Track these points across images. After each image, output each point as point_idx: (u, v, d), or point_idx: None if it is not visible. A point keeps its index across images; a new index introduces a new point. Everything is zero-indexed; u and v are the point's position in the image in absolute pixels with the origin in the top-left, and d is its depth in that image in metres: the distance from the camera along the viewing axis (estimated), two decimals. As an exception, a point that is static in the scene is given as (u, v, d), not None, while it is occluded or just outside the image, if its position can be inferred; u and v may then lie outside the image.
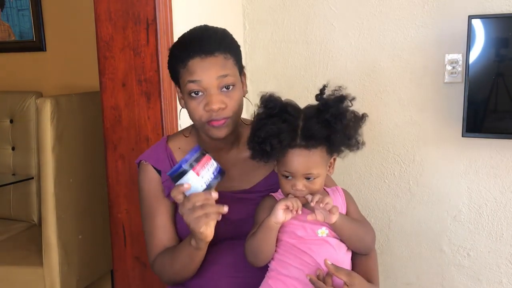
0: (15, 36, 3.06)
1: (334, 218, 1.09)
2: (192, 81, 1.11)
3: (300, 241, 1.14)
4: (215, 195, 1.04)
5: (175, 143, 1.28)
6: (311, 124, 1.08)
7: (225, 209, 1.04)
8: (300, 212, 1.09)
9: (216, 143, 1.22)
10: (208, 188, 1.04)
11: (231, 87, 1.13)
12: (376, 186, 2.12)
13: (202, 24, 1.22)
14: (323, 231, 1.14)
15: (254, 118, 1.15)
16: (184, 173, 1.02)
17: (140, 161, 1.27)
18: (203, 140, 1.24)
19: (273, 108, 1.11)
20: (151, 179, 1.25)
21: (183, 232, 1.23)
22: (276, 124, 1.08)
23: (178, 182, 1.04)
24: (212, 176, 1.04)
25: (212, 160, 1.06)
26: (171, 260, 1.18)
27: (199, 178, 1.03)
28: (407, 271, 2.14)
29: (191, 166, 1.02)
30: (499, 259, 1.98)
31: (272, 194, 1.21)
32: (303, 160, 1.08)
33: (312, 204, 1.08)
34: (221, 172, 1.06)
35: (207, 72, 1.10)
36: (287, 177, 1.11)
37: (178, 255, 1.16)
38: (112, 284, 2.43)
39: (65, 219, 2.20)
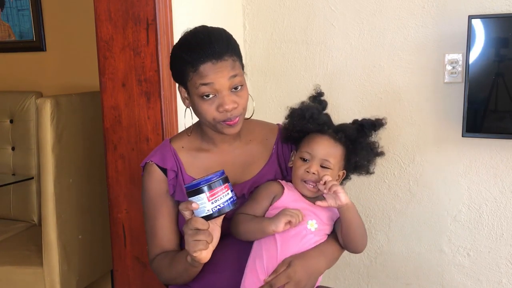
0: (15, 36, 3.06)
1: (343, 197, 1.14)
2: (205, 84, 1.14)
3: (288, 230, 1.16)
4: (216, 221, 1.10)
5: (178, 142, 1.30)
6: (345, 125, 1.26)
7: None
8: (300, 221, 1.16)
9: (222, 137, 1.26)
10: (217, 215, 1.06)
11: (239, 87, 1.18)
12: (376, 186, 2.12)
13: (201, 24, 1.23)
14: (312, 224, 1.19)
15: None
16: (199, 192, 1.05)
17: (146, 163, 1.29)
18: (207, 136, 1.27)
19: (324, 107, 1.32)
20: (156, 179, 1.26)
21: None
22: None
23: (191, 199, 1.06)
24: (222, 205, 1.06)
25: (229, 190, 1.08)
26: (169, 266, 1.21)
27: (209, 203, 1.05)
28: (407, 271, 2.14)
29: (209, 189, 1.05)
30: (499, 259, 1.98)
31: (280, 181, 1.26)
32: (326, 146, 1.21)
33: (322, 184, 1.15)
34: (234, 203, 1.08)
35: (219, 74, 1.14)
36: (304, 160, 1.21)
37: (175, 264, 1.19)
38: (112, 284, 2.43)
39: (65, 219, 2.20)
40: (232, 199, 1.08)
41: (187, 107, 1.25)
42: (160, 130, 1.72)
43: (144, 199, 1.29)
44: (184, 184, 1.16)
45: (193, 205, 1.05)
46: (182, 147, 1.29)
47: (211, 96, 1.15)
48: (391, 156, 2.08)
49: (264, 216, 1.21)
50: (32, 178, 2.77)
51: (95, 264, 2.41)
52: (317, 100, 1.30)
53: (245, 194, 1.27)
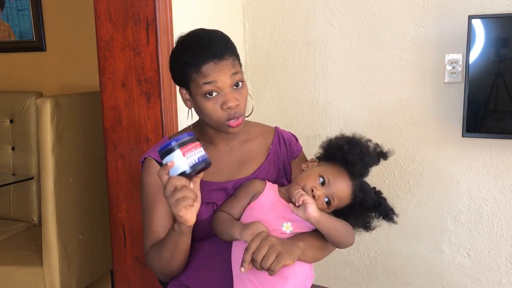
0: (15, 36, 3.06)
1: (311, 209, 1.14)
2: (208, 83, 1.17)
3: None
4: (193, 185, 1.10)
5: None
6: (370, 188, 1.27)
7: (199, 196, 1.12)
8: None
9: (220, 136, 1.29)
10: (192, 170, 1.07)
11: (240, 83, 1.21)
12: (376, 186, 2.12)
13: (202, 25, 1.26)
14: (288, 226, 1.18)
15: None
16: (171, 150, 1.06)
17: (145, 158, 1.31)
18: (206, 134, 1.30)
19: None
20: (154, 173, 1.27)
21: None
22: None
23: (165, 159, 1.07)
24: (197, 160, 1.07)
25: (201, 148, 1.09)
26: (159, 250, 1.23)
27: (184, 158, 1.06)
28: (407, 271, 2.14)
29: (179, 146, 1.06)
30: (499, 259, 1.98)
31: (267, 181, 1.26)
32: (346, 188, 1.21)
33: (293, 200, 1.16)
34: (206, 161, 1.09)
35: (221, 73, 1.17)
36: (322, 181, 1.19)
37: (164, 243, 1.21)
38: (112, 284, 2.43)
39: (65, 219, 2.20)
40: (204, 156, 1.09)
41: (190, 108, 1.27)
42: (160, 130, 1.72)
43: (143, 193, 1.30)
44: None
45: (169, 164, 1.06)
46: None
47: (214, 94, 1.18)
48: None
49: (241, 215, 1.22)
50: (32, 178, 2.77)
51: (95, 264, 2.41)
52: (379, 154, 1.28)
53: None
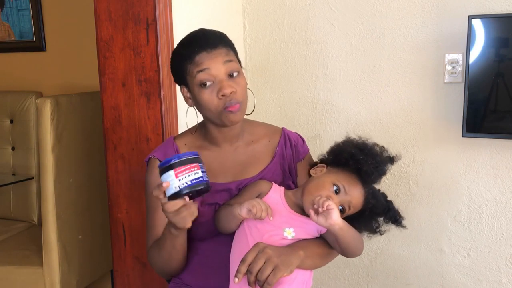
0: (15, 36, 3.06)
1: (335, 215, 1.11)
2: (201, 71, 1.18)
3: (261, 233, 1.16)
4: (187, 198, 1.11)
5: (182, 140, 1.34)
6: (380, 195, 1.27)
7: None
8: (262, 218, 1.14)
9: (224, 135, 1.28)
10: (184, 191, 1.05)
11: (235, 73, 1.20)
12: (376, 186, 2.12)
13: (201, 25, 1.30)
14: (290, 232, 1.17)
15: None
16: (169, 168, 1.06)
17: (149, 158, 1.32)
18: (210, 135, 1.29)
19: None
20: (157, 173, 1.27)
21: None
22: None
23: (162, 176, 1.08)
24: (190, 183, 1.05)
25: (199, 170, 1.07)
26: (158, 250, 1.24)
27: (176, 180, 1.05)
28: (407, 271, 2.14)
29: (177, 166, 1.06)
30: (499, 259, 1.98)
31: (274, 183, 1.26)
32: (360, 196, 1.20)
33: (316, 206, 1.13)
34: (203, 182, 1.07)
35: (214, 60, 1.18)
36: (336, 189, 1.18)
37: (162, 245, 1.22)
38: (112, 284, 2.43)
39: (65, 219, 2.20)
40: (201, 178, 1.07)
41: (190, 106, 1.27)
42: (160, 130, 1.72)
43: (147, 192, 1.32)
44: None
45: (164, 184, 1.06)
46: (185, 145, 1.32)
47: (209, 83, 1.18)
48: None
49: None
50: (32, 178, 2.77)
51: (95, 264, 2.42)
52: (390, 160, 1.28)
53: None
